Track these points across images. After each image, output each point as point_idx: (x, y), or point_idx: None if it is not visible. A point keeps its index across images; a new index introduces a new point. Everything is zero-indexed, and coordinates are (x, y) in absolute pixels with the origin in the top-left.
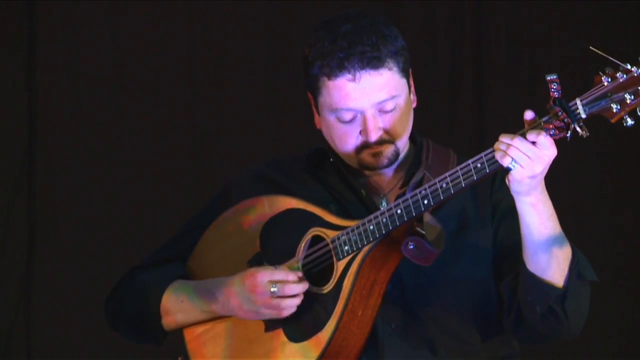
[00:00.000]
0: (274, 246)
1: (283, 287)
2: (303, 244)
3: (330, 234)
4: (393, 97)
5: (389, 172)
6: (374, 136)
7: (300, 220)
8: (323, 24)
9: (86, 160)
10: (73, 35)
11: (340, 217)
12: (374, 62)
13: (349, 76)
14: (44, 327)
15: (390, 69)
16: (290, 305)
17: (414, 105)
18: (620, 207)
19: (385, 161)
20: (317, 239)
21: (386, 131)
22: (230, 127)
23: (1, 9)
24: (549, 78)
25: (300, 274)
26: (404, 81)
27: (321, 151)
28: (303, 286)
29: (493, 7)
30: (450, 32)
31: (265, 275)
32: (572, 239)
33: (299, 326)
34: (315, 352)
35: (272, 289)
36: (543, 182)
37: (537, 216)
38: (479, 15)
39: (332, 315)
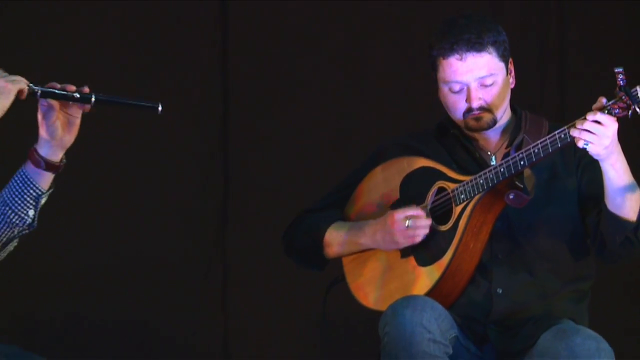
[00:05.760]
0: (409, 194)
1: (415, 221)
2: (431, 193)
3: (450, 185)
4: (491, 75)
5: (496, 136)
6: (475, 104)
7: (430, 175)
8: (444, 20)
9: (276, 133)
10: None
11: (459, 173)
12: (477, 46)
13: (457, 56)
14: (238, 258)
15: (490, 53)
16: (420, 234)
17: (512, 85)
18: None
19: (484, 125)
20: (441, 190)
21: (485, 101)
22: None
23: (198, 7)
24: (616, 70)
25: (425, 213)
26: (502, 65)
27: (444, 124)
28: (428, 221)
29: (575, 7)
30: (540, 28)
31: (401, 213)
32: None
33: (426, 254)
34: (438, 274)
35: (407, 223)
36: (618, 146)
37: (615, 172)
38: (561, 15)
39: (450, 246)
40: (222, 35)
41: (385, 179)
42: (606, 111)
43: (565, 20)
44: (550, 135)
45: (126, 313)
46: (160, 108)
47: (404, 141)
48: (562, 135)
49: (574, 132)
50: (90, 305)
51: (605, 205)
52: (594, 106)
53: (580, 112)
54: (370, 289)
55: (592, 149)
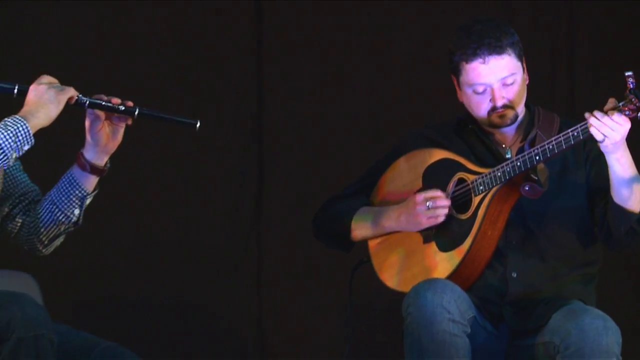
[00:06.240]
0: (431, 184)
1: (435, 201)
2: (451, 184)
3: (470, 177)
4: (512, 74)
5: (511, 131)
6: (499, 103)
7: (450, 167)
8: (461, 27)
9: (307, 126)
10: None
11: (478, 165)
12: (498, 49)
13: (480, 60)
14: (272, 241)
15: (509, 55)
16: (441, 214)
17: (527, 82)
18: None
19: (508, 121)
20: (461, 180)
21: (508, 99)
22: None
23: (233, 7)
24: (627, 74)
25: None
26: (519, 64)
27: (463, 120)
28: (448, 201)
29: (584, 7)
30: (550, 28)
31: (422, 195)
32: None
33: (446, 240)
34: (458, 259)
35: (428, 203)
36: (625, 143)
37: (621, 166)
38: (571, 16)
39: (470, 234)
40: (257, 33)
41: (408, 169)
42: (617, 112)
43: (575, 20)
44: (564, 133)
45: (168, 292)
46: (198, 125)
47: (426, 134)
48: (575, 134)
49: (594, 122)
50: (138, 286)
51: (611, 197)
52: (606, 107)
53: (589, 109)
54: (394, 272)
55: (605, 142)
